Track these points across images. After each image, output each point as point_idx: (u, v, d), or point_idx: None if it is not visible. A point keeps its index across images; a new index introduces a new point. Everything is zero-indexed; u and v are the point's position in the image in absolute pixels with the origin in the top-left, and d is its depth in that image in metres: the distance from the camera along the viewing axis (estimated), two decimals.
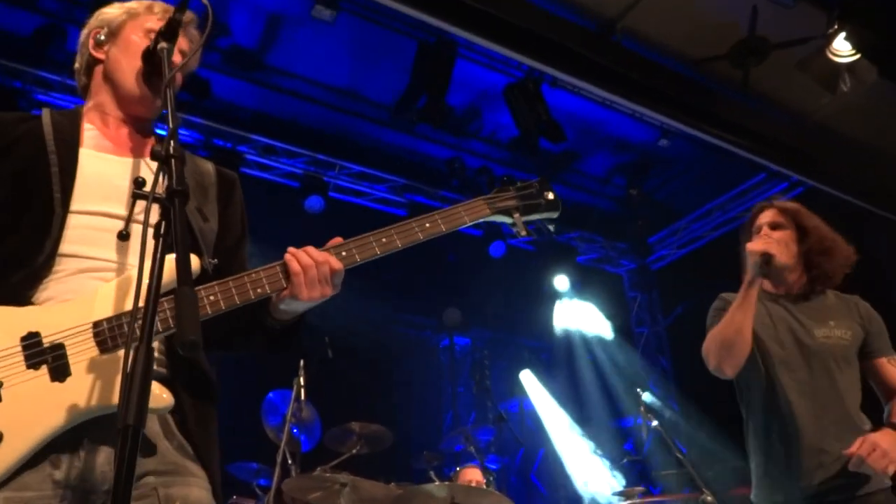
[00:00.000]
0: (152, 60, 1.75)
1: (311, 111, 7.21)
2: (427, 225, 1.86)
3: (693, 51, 5.72)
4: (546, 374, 8.76)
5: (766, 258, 2.75)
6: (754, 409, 2.84)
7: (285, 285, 1.67)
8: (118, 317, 1.53)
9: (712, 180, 8.17)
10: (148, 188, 1.40)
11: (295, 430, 5.28)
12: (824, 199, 6.64)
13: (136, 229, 1.63)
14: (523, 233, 2.03)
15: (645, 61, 5.57)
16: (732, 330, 2.71)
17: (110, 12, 1.91)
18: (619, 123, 7.35)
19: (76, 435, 1.46)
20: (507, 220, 2.04)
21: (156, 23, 1.85)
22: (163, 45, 1.69)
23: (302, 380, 5.22)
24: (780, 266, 2.86)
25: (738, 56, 5.44)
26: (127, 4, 1.93)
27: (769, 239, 2.82)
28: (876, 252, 6.57)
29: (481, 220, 2.00)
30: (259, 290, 1.64)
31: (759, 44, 5.35)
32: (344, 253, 1.74)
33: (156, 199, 1.32)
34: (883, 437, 2.51)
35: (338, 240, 1.77)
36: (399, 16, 5.67)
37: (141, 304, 1.24)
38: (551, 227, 2.26)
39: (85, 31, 1.93)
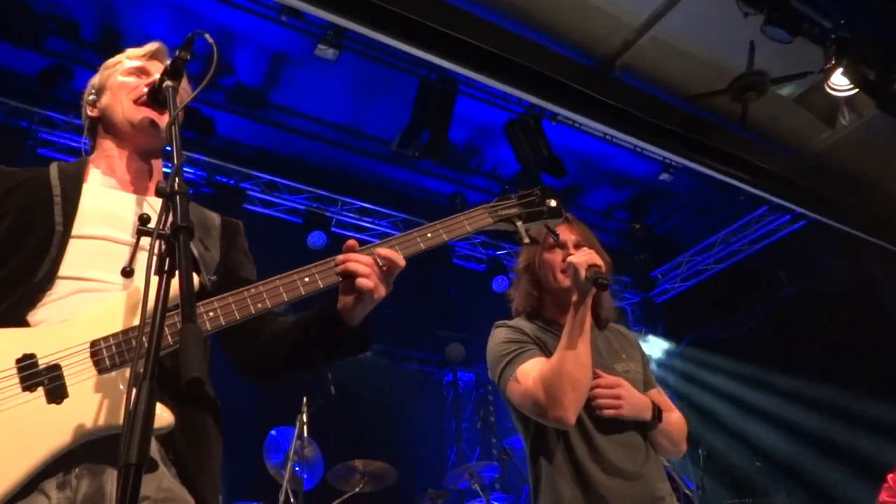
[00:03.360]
0: (157, 98, 1.78)
1: (313, 148, 7.28)
2: (429, 235, 1.81)
3: (692, 86, 5.77)
4: None
5: (598, 272, 2.30)
6: (548, 453, 2.42)
7: (322, 286, 1.66)
8: (115, 335, 1.51)
9: (714, 214, 8.21)
10: (152, 225, 1.40)
11: (297, 468, 5.22)
12: (826, 229, 6.67)
13: (139, 266, 1.64)
14: (527, 240, 1.98)
15: (645, 96, 5.63)
16: (574, 364, 2.26)
17: (93, 79, 2.03)
18: (620, 158, 7.40)
19: (75, 458, 1.44)
20: (509, 227, 2.00)
21: (136, 59, 1.99)
22: (168, 83, 1.72)
23: (305, 417, 5.18)
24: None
25: (737, 91, 5.49)
26: (107, 62, 2.05)
27: (595, 255, 2.38)
28: (873, 279, 6.58)
29: (484, 228, 1.96)
30: (259, 305, 1.61)
31: (758, 79, 5.41)
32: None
33: (160, 236, 1.32)
34: (630, 392, 2.38)
35: (353, 242, 1.73)
36: (400, 54, 5.75)
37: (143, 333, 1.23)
38: (554, 235, 2.26)
39: (82, 103, 2.04)
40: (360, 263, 1.65)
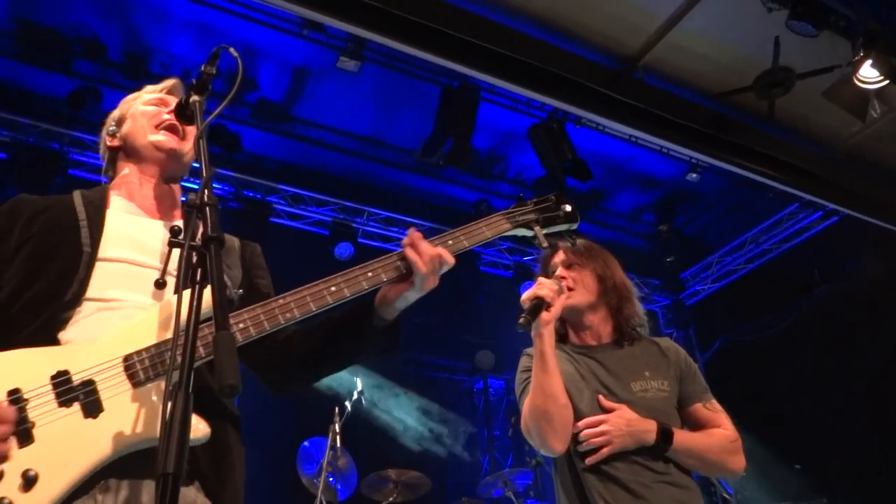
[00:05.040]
0: (185, 113, 1.81)
1: (338, 160, 7.32)
2: (450, 242, 1.88)
3: (717, 84, 5.70)
4: None
5: (539, 304, 2.32)
6: (566, 477, 2.43)
7: (384, 279, 1.75)
8: (148, 349, 1.53)
9: (744, 213, 8.09)
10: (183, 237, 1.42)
11: (331, 479, 5.23)
12: (859, 224, 6.53)
13: (169, 278, 1.68)
14: (545, 244, 2.07)
15: (669, 97, 5.57)
16: (541, 397, 2.30)
17: (112, 114, 2.12)
18: (646, 159, 7.34)
19: (114, 471, 1.45)
20: (527, 233, 2.08)
21: (156, 92, 2.07)
22: (195, 98, 1.75)
23: (337, 427, 5.20)
24: (578, 307, 2.58)
25: (763, 87, 5.41)
26: (126, 98, 2.14)
27: (543, 283, 2.38)
28: None
29: (503, 234, 2.03)
30: (288, 315, 1.65)
31: (784, 74, 5.32)
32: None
33: (192, 247, 1.34)
34: (619, 422, 2.29)
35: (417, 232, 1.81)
36: (422, 63, 5.77)
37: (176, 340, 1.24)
38: (572, 240, 2.29)
39: (101, 139, 2.12)
40: (418, 257, 1.74)
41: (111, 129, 2.06)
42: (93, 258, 1.68)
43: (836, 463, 6.60)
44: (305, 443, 5.64)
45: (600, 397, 2.37)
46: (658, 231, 8.37)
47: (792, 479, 6.84)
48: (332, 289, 1.70)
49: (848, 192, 6.34)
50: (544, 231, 2.08)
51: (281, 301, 1.66)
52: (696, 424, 2.49)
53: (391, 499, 5.60)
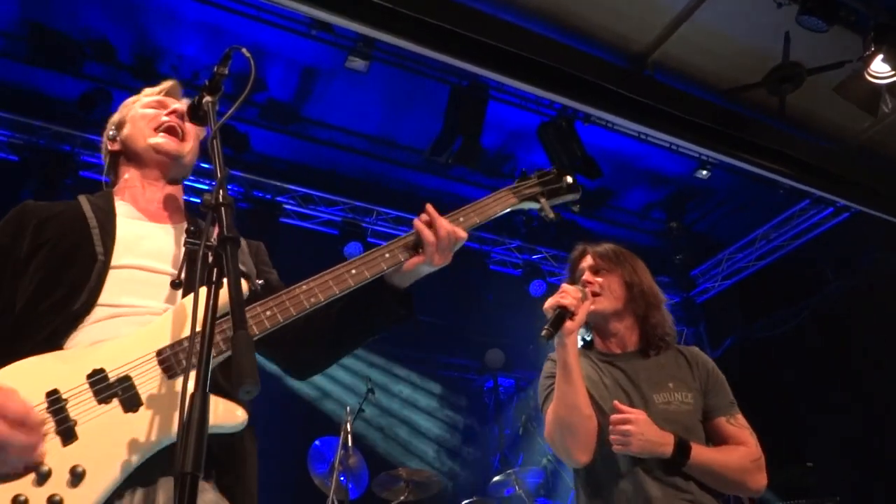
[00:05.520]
0: (197, 114, 1.81)
1: (347, 160, 7.33)
2: (461, 219, 1.95)
3: (727, 80, 5.68)
4: None
5: (562, 313, 2.29)
6: (589, 490, 2.41)
7: (402, 259, 1.81)
8: (180, 342, 1.57)
9: (754, 209, 8.05)
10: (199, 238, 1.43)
11: (342, 478, 5.24)
12: (871, 220, 6.49)
13: (162, 263, 1.74)
14: (551, 215, 2.14)
15: (679, 93, 5.55)
16: (564, 408, 2.28)
17: (112, 118, 2.11)
18: (655, 157, 7.31)
19: (151, 468, 1.48)
20: (534, 205, 2.15)
21: (154, 94, 2.07)
22: (207, 98, 1.76)
23: (349, 426, 5.21)
24: (603, 313, 2.54)
25: (773, 83, 5.38)
26: (125, 101, 2.14)
27: (566, 291, 2.35)
28: None
29: (510, 208, 2.09)
30: (312, 300, 1.69)
31: (795, 70, 5.29)
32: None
33: (208, 247, 1.34)
34: (642, 425, 2.24)
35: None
36: (431, 62, 5.77)
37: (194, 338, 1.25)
38: (575, 209, 2.34)
39: (102, 143, 2.12)
40: (430, 233, 1.82)
41: (111, 133, 2.07)
42: (106, 266, 1.70)
43: (848, 461, 6.57)
44: (317, 442, 5.66)
45: (615, 402, 2.33)
46: (668, 228, 8.34)
47: (804, 478, 6.81)
48: (353, 271, 1.76)
49: (859, 188, 6.29)
50: (550, 203, 2.15)
51: (304, 287, 1.71)
52: (719, 440, 2.43)
53: (402, 498, 5.60)
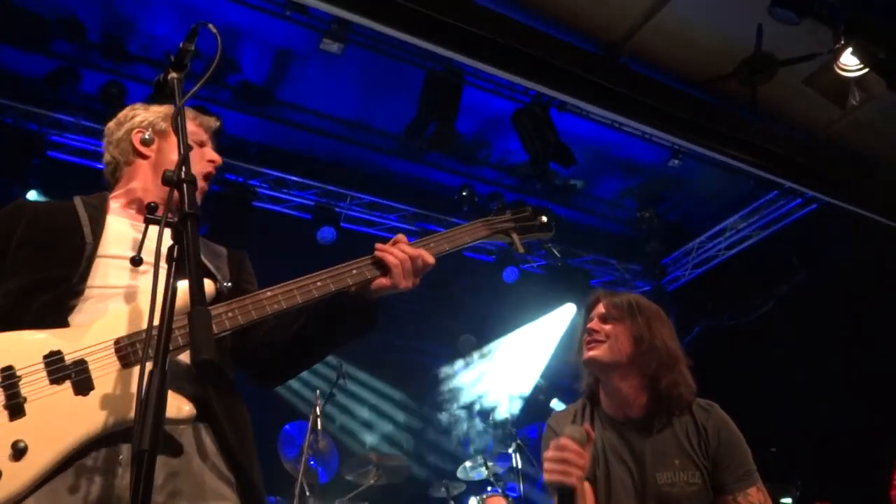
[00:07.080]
0: (164, 91, 1.79)
1: (321, 143, 7.27)
2: (431, 245, 2.02)
3: (700, 70, 5.73)
4: (566, 398, 8.67)
5: (565, 491, 2.03)
6: None
7: (368, 276, 1.85)
8: (139, 333, 1.59)
9: (724, 199, 8.15)
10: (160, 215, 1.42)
11: (312, 462, 5.24)
12: (838, 212, 6.61)
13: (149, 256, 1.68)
14: (521, 250, 2.20)
15: (652, 82, 5.58)
16: None
17: (147, 116, 2.06)
18: (629, 145, 7.35)
19: (110, 451, 1.52)
20: (505, 239, 2.21)
21: (194, 127, 2.07)
22: (173, 75, 1.76)
23: (318, 410, 5.20)
24: (601, 362, 2.39)
25: (745, 74, 5.43)
26: (161, 109, 2.09)
27: (567, 460, 2.03)
28: (888, 261, 6.51)
29: (481, 240, 2.16)
30: (276, 307, 1.71)
31: (766, 61, 5.34)
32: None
33: (168, 224, 1.34)
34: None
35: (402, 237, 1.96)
36: (406, 46, 5.73)
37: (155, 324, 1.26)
38: (557, 253, 2.36)
39: (121, 130, 2.05)
40: (392, 256, 1.86)
41: (146, 135, 2.03)
42: (94, 251, 1.74)
43: (810, 446, 6.71)
44: (286, 426, 5.65)
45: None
46: (640, 217, 8.41)
47: (767, 463, 6.94)
48: (319, 283, 1.80)
49: (827, 180, 6.40)
50: (521, 238, 2.21)
51: (269, 293, 1.74)
52: None
53: (372, 482, 5.62)
